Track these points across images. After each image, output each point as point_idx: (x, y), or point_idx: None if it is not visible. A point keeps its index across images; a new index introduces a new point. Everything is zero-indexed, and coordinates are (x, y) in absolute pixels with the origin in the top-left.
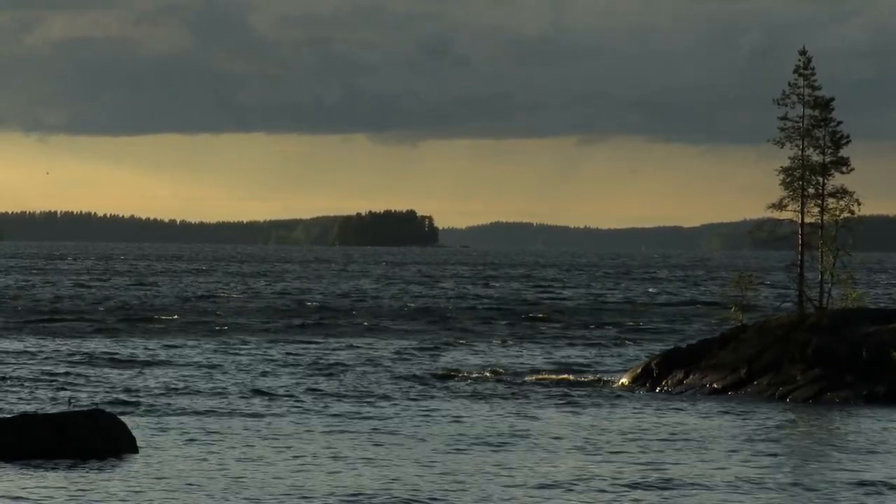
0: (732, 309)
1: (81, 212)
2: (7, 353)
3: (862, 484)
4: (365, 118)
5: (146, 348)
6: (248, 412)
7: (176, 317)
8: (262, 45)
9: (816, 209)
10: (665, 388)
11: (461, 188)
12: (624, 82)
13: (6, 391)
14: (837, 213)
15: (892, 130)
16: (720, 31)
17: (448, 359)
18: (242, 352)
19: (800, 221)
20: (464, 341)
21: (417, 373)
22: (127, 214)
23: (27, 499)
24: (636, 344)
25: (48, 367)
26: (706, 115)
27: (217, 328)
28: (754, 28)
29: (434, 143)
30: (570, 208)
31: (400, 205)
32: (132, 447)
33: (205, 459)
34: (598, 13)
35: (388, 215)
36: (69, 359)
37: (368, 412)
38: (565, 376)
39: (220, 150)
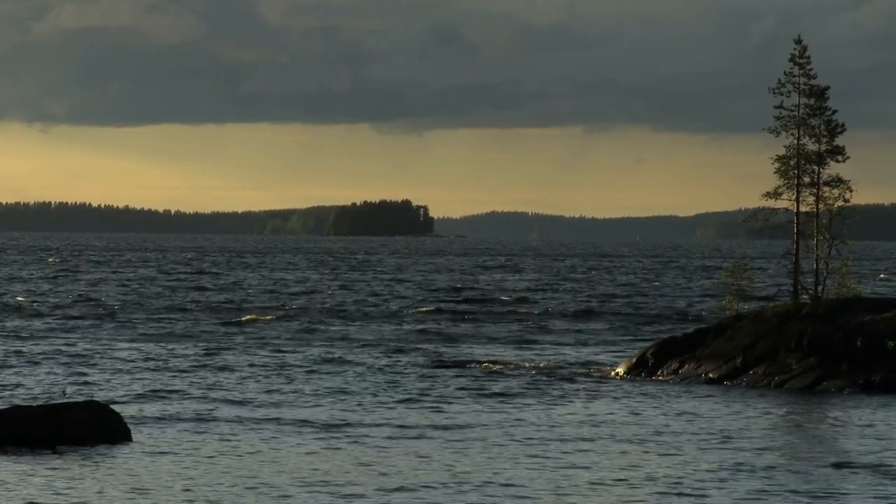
0: (727, 298)
1: (76, 202)
2: (30, 351)
3: (854, 470)
4: (371, 108)
5: (156, 344)
6: (254, 406)
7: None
8: (271, 33)
9: (812, 198)
10: (661, 377)
11: (463, 178)
12: (632, 70)
13: (4, 383)
14: (832, 201)
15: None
16: (729, 20)
17: (453, 351)
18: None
19: (795, 210)
20: (465, 334)
21: (420, 363)
22: (121, 205)
23: (22, 488)
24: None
25: (49, 361)
26: (713, 103)
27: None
28: (764, 16)
29: (439, 132)
30: (566, 198)
31: (401, 195)
32: (126, 436)
33: (197, 449)
34: (608, 1)
35: (384, 205)
36: (71, 354)
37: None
38: (560, 367)
39: (223, 140)
